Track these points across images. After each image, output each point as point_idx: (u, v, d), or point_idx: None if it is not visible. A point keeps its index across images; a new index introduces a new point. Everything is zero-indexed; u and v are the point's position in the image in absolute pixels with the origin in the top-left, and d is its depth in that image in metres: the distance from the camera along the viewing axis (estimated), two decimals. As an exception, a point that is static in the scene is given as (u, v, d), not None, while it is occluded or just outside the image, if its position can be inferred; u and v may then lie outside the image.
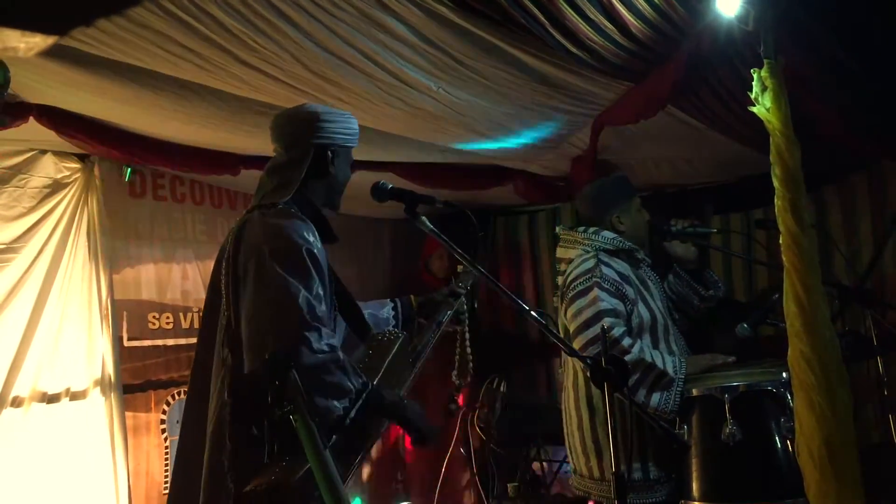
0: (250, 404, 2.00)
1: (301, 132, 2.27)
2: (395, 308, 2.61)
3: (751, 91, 2.32)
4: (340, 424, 2.01)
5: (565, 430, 3.03)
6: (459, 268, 2.68)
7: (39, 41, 2.18)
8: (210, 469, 2.08)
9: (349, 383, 2.04)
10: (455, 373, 2.65)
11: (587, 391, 2.90)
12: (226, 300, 2.14)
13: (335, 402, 2.00)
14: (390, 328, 2.51)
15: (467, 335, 2.67)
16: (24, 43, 2.19)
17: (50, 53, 2.36)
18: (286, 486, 1.87)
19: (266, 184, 2.28)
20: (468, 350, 2.68)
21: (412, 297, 2.65)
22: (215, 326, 2.18)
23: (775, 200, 2.27)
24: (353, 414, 2.02)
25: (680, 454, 2.67)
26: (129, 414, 3.72)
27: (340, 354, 2.05)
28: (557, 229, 3.14)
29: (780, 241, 2.28)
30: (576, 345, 2.78)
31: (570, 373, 3.00)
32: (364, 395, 2.04)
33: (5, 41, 2.17)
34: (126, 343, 3.81)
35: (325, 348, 2.00)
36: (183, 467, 2.25)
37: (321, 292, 2.09)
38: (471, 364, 2.70)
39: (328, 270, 2.21)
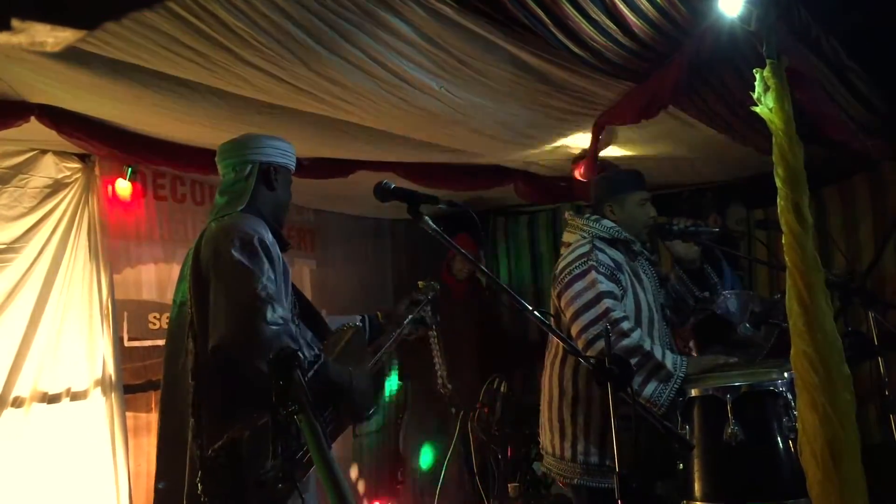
0: (212, 382, 2.21)
1: (244, 151, 2.52)
2: (363, 321, 2.76)
3: (753, 91, 2.32)
4: None
5: (541, 406, 3.06)
6: (421, 283, 2.90)
7: (69, 35, 2.18)
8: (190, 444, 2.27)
9: (302, 354, 2.16)
10: (440, 382, 2.81)
11: (561, 371, 2.92)
12: (191, 298, 2.32)
13: None
14: (348, 323, 2.68)
15: (436, 344, 2.82)
16: (53, 38, 2.19)
17: (52, 52, 2.35)
18: (239, 441, 2.10)
19: (219, 202, 2.50)
20: (440, 357, 2.83)
21: (378, 313, 2.85)
22: (183, 332, 2.35)
23: (778, 200, 2.27)
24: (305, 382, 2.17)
25: (682, 454, 2.66)
26: (129, 414, 3.73)
27: (293, 327, 2.25)
28: (566, 214, 3.15)
29: (783, 241, 2.28)
30: (575, 328, 2.78)
31: (553, 351, 3.02)
32: (316, 366, 2.21)
33: (34, 35, 2.17)
34: (127, 343, 3.83)
35: (279, 320, 2.17)
36: (165, 446, 2.43)
37: (273, 276, 2.28)
38: (443, 371, 2.87)
39: (286, 274, 2.41)
